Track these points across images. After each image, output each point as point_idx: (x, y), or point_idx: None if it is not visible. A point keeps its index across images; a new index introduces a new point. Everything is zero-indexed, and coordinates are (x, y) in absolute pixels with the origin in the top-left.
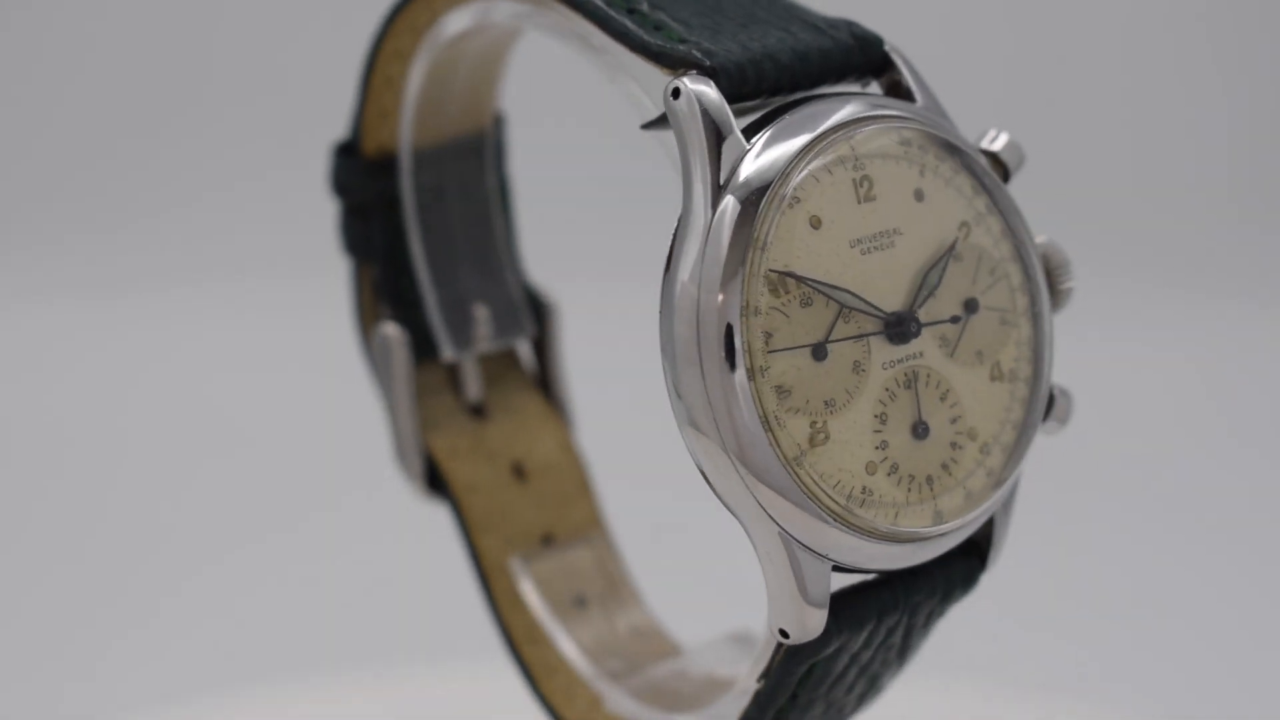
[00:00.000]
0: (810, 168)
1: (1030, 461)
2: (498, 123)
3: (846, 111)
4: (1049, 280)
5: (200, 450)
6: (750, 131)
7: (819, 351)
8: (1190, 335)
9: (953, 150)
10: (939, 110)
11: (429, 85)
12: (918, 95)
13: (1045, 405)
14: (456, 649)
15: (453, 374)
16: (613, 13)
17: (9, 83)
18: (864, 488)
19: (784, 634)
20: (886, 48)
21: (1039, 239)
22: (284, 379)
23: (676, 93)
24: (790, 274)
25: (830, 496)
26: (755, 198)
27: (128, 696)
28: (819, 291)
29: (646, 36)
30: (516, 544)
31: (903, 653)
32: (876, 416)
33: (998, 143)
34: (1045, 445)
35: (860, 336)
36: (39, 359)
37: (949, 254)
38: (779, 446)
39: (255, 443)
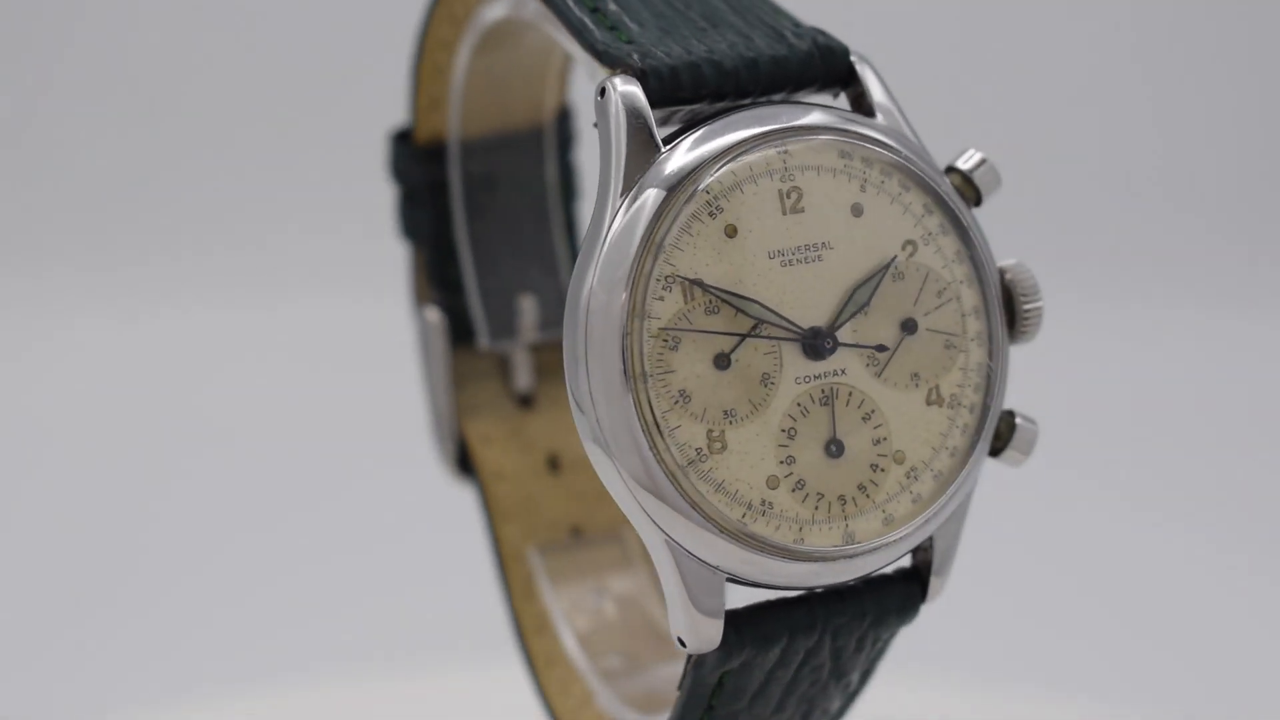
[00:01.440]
0: (725, 174)
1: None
2: (562, 116)
3: (782, 120)
4: (1014, 306)
5: (208, 447)
6: (677, 135)
7: (721, 361)
8: (1174, 340)
9: (903, 167)
10: (903, 126)
11: (477, 76)
12: (879, 110)
13: (1000, 434)
14: (462, 649)
15: (504, 362)
16: (576, 10)
17: (44, 82)
18: (763, 500)
19: (682, 642)
20: (852, 59)
21: (1007, 262)
22: (297, 373)
23: (603, 92)
24: (697, 281)
25: (719, 508)
26: (662, 200)
27: (126, 695)
28: (725, 301)
29: (597, 34)
30: (539, 534)
31: (839, 676)
32: (784, 431)
33: (968, 163)
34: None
35: (771, 350)
36: (65, 357)
37: (884, 271)
38: (663, 453)
39: (270, 438)
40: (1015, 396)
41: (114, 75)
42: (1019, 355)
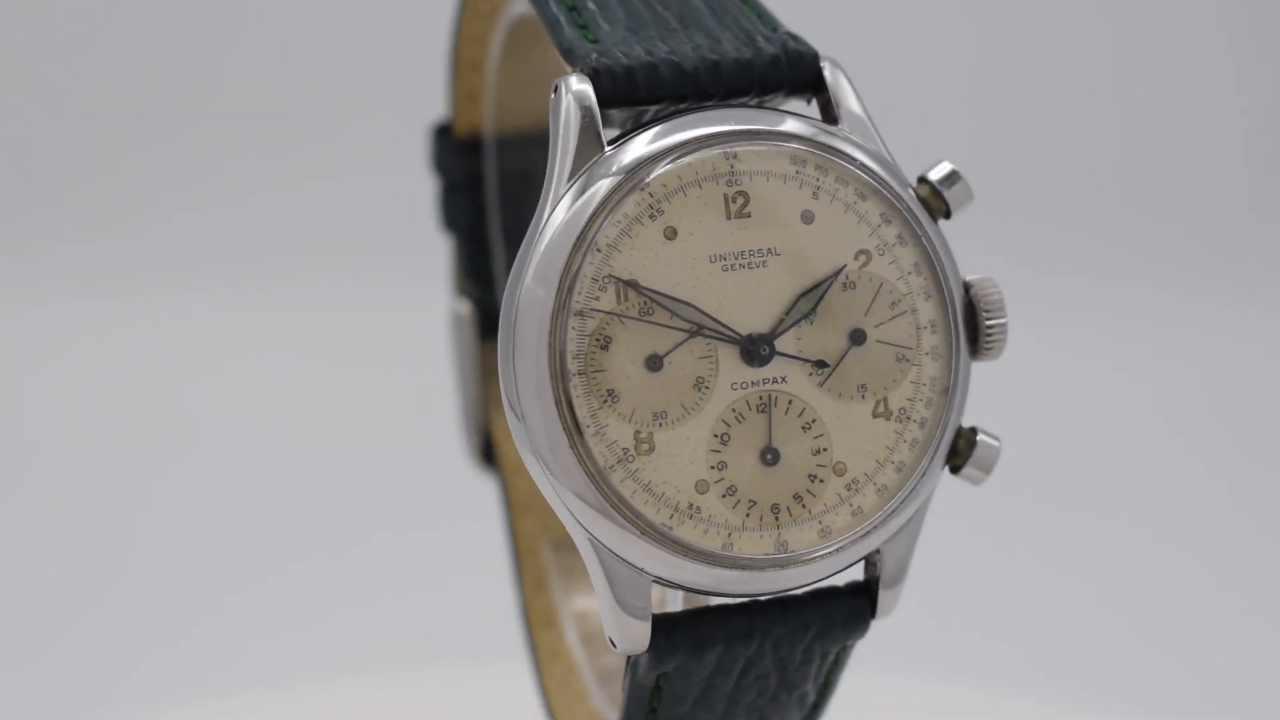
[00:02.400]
0: (668, 175)
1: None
2: None
3: (733, 123)
4: (976, 321)
5: (245, 436)
6: (627, 135)
7: (653, 362)
8: (1153, 351)
9: (860, 177)
10: (871, 133)
11: (511, 72)
12: (844, 117)
13: (959, 451)
14: (470, 643)
15: None
16: (552, 7)
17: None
18: (690, 505)
19: (613, 643)
20: (823, 64)
21: (972, 276)
22: (327, 365)
23: (557, 89)
24: (631, 282)
25: (642, 511)
26: (602, 197)
27: (128, 695)
28: (658, 303)
29: (566, 32)
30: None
31: (789, 688)
32: (716, 436)
33: (939, 174)
34: (1025, 454)
35: (707, 354)
36: (69, 351)
37: (832, 280)
38: (584, 454)
39: (296, 430)
40: (989, 412)
41: (135, 65)
42: (1004, 368)
